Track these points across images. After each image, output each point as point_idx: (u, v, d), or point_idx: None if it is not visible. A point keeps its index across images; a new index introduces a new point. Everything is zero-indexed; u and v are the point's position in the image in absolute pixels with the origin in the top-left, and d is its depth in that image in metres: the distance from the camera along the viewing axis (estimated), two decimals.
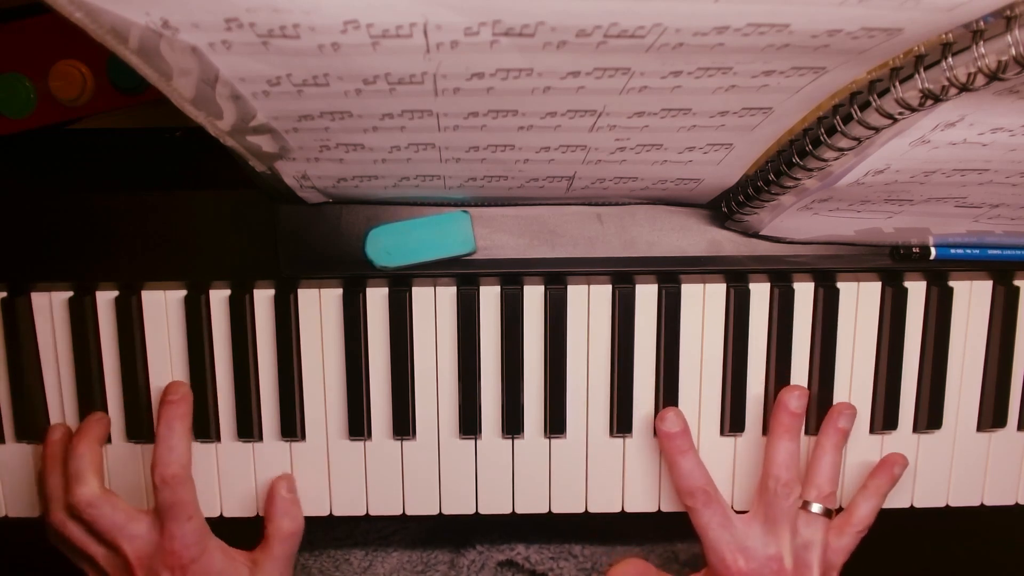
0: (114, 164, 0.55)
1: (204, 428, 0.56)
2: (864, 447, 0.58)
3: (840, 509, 0.56)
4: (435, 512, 0.58)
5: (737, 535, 0.54)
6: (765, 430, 0.57)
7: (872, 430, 0.58)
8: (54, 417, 0.57)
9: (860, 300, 0.57)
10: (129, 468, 0.57)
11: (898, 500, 0.59)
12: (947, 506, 0.60)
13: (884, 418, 0.58)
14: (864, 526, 0.55)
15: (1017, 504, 0.60)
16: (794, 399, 0.55)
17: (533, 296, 0.56)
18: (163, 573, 0.52)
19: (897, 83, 0.36)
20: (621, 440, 0.58)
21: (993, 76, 0.33)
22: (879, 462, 0.57)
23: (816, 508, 0.54)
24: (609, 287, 0.56)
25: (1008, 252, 0.54)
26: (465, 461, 0.58)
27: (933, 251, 0.53)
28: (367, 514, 0.58)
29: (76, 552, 0.54)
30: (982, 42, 0.33)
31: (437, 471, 0.58)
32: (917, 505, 0.59)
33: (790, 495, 0.53)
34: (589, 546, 0.66)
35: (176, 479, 0.52)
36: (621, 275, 0.56)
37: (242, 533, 0.57)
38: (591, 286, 0.56)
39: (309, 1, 0.30)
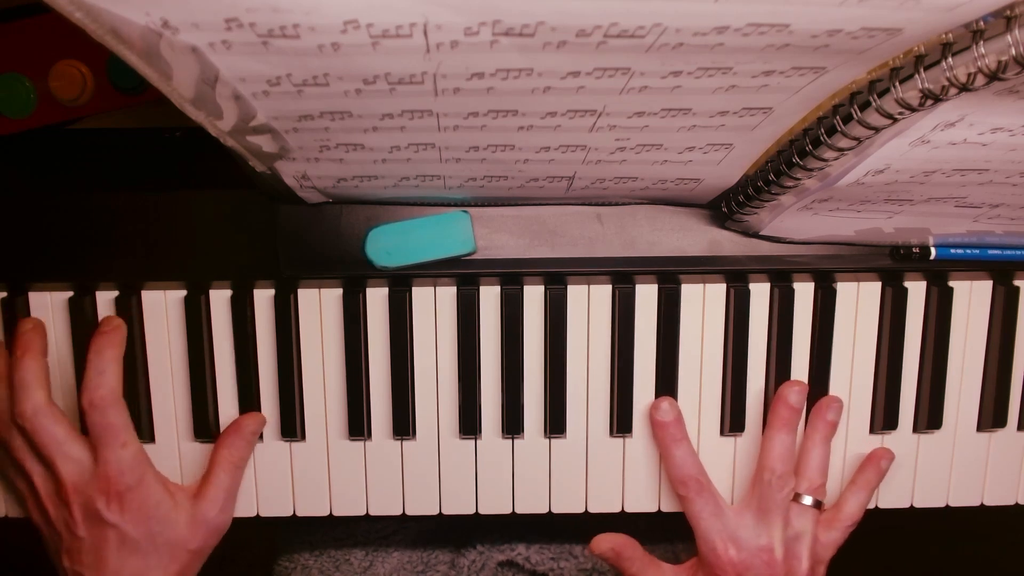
0: (114, 164, 0.55)
1: (204, 428, 0.56)
2: (864, 447, 0.58)
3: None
4: (435, 512, 0.58)
5: (729, 525, 0.54)
6: (767, 416, 0.57)
7: (872, 430, 0.58)
8: None
9: (860, 300, 0.57)
10: None
11: (898, 500, 0.59)
12: (947, 506, 0.60)
13: (884, 418, 0.58)
14: (853, 521, 0.56)
15: (1017, 504, 0.60)
16: (794, 394, 0.56)
17: (533, 296, 0.56)
18: (98, 499, 0.51)
19: (897, 83, 0.36)
20: (621, 440, 0.58)
21: (993, 76, 0.33)
22: (866, 457, 0.57)
23: (807, 500, 0.55)
24: (609, 287, 0.56)
25: (1008, 252, 0.54)
26: (465, 461, 0.58)
27: (933, 251, 0.53)
28: (367, 514, 0.58)
29: (16, 470, 0.54)
30: (982, 42, 0.33)
31: (437, 471, 0.58)
32: (917, 505, 0.59)
33: (784, 487, 0.54)
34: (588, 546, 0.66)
35: (104, 401, 0.51)
36: (621, 275, 0.56)
37: (242, 533, 0.57)
38: (591, 286, 0.56)
39: (309, 1, 0.30)
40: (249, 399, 0.56)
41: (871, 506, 0.58)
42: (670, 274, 0.56)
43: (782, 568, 0.53)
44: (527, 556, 0.65)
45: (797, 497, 0.55)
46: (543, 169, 0.46)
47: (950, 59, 0.34)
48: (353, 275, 0.55)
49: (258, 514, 0.58)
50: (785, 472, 0.54)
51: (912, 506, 0.59)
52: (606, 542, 0.56)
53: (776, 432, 0.55)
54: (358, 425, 0.57)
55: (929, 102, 0.36)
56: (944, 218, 0.50)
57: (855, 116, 0.39)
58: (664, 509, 0.59)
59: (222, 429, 0.57)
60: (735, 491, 0.58)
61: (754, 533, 0.54)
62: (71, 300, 0.56)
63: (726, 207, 0.53)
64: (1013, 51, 0.32)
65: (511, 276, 0.56)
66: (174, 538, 0.53)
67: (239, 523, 0.58)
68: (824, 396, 0.57)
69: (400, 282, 0.56)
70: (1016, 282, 0.57)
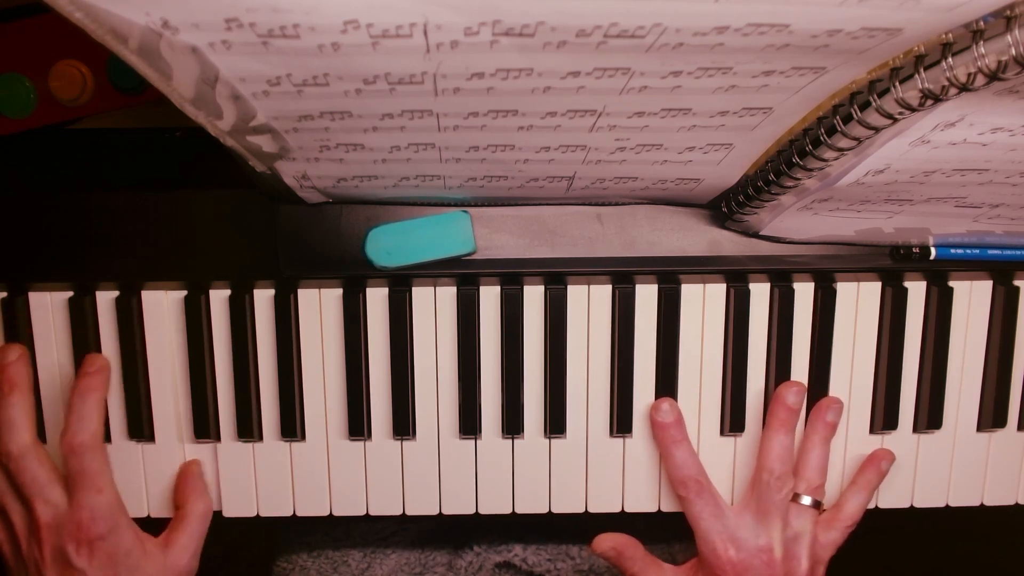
0: (114, 164, 0.55)
1: (204, 428, 0.56)
2: (864, 447, 0.58)
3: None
4: (435, 512, 0.58)
5: (729, 525, 0.54)
6: (766, 417, 0.57)
7: (872, 430, 0.58)
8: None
9: (860, 300, 0.57)
10: (129, 467, 0.57)
11: (898, 500, 0.59)
12: (947, 506, 0.60)
13: (884, 418, 0.58)
14: (852, 521, 0.56)
15: (1017, 504, 0.60)
16: (792, 394, 0.55)
17: (533, 296, 0.56)
18: (68, 544, 0.51)
19: (897, 83, 0.36)
20: (621, 440, 0.58)
21: (993, 76, 0.33)
22: (866, 458, 0.57)
23: (806, 500, 0.55)
24: (609, 287, 0.56)
25: (1008, 252, 0.54)
26: (465, 461, 0.58)
27: (933, 251, 0.53)
28: (367, 514, 0.58)
29: None
30: (982, 42, 0.33)
31: (437, 471, 0.58)
32: (917, 505, 0.59)
33: (783, 488, 0.54)
34: (587, 547, 0.66)
35: (83, 447, 0.51)
36: (621, 275, 0.56)
37: (242, 533, 0.57)
38: (591, 286, 0.56)
39: (309, 1, 0.30)
40: (249, 399, 0.56)
41: (871, 506, 0.58)
42: (670, 274, 0.56)
43: (781, 568, 0.53)
44: (524, 557, 0.65)
45: (796, 497, 0.55)
46: (543, 169, 0.46)
47: (950, 59, 0.34)
48: (353, 275, 0.55)
49: (258, 514, 0.58)
50: (784, 472, 0.54)
51: (912, 506, 0.59)
52: (607, 541, 0.56)
53: (774, 433, 0.55)
54: (358, 425, 0.57)
55: (929, 102, 0.36)
56: (944, 218, 0.50)
57: (855, 116, 0.39)
58: (664, 509, 0.59)
59: (222, 431, 0.57)
60: (735, 491, 0.58)
61: (753, 533, 0.54)
62: (71, 300, 0.56)
63: (726, 207, 0.53)
64: (1013, 51, 0.32)
65: (511, 276, 0.56)
66: None
67: (239, 523, 0.58)
68: (823, 397, 0.57)
69: (400, 282, 0.56)
70: (1016, 282, 0.57)
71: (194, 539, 0.55)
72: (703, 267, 0.55)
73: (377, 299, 0.56)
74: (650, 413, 0.57)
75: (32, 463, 0.51)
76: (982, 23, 0.33)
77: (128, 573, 0.52)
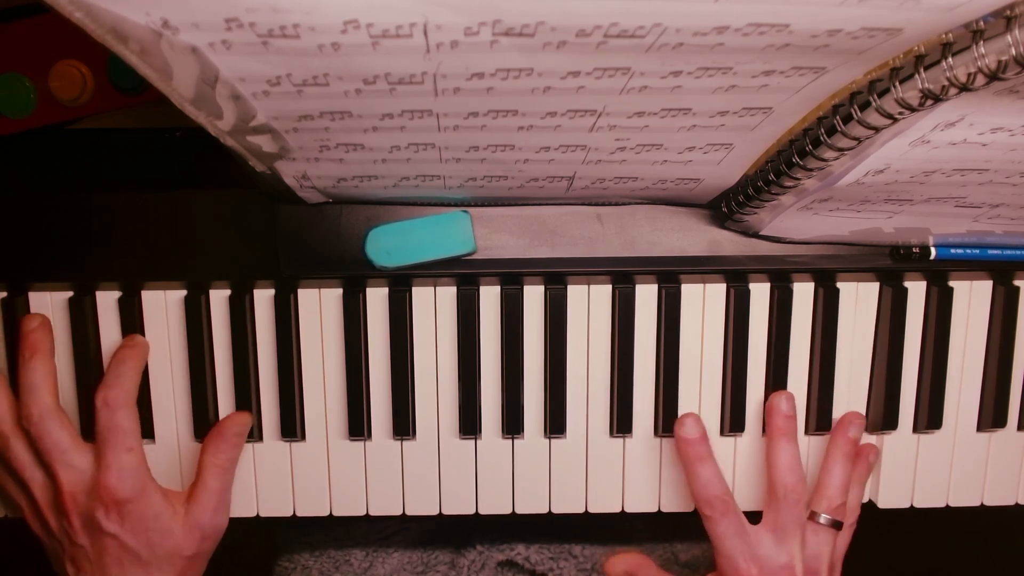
0: (114, 164, 0.55)
1: (204, 428, 0.56)
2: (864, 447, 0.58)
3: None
4: (435, 512, 0.58)
5: (751, 543, 0.53)
6: (765, 430, 0.57)
7: (872, 430, 0.58)
8: None
9: (860, 300, 0.57)
10: None
11: (898, 500, 0.59)
12: (947, 506, 0.60)
13: (884, 418, 0.58)
14: (855, 517, 0.56)
15: (1017, 504, 0.60)
16: (783, 402, 0.55)
17: (533, 296, 0.56)
18: (97, 509, 0.50)
19: (897, 83, 0.36)
20: (621, 440, 0.58)
21: (993, 76, 0.33)
22: (855, 455, 0.57)
23: (824, 519, 0.54)
24: (609, 287, 0.56)
25: (1008, 252, 0.54)
26: (465, 461, 0.58)
27: (933, 251, 0.53)
28: (367, 514, 0.58)
29: (13, 480, 0.53)
30: (982, 42, 0.33)
31: (437, 471, 0.58)
32: (917, 505, 0.59)
33: (800, 500, 0.53)
34: (589, 546, 0.66)
35: (116, 401, 0.51)
36: (621, 275, 0.56)
37: (242, 533, 0.57)
38: (591, 286, 0.56)
39: (309, 1, 0.30)
40: (249, 399, 0.56)
41: (870, 507, 0.58)
42: (670, 274, 0.56)
43: None
44: (527, 556, 0.65)
45: (814, 516, 0.54)
46: (543, 169, 0.46)
47: (950, 59, 0.34)
48: (353, 275, 0.55)
49: (258, 514, 0.58)
50: (796, 482, 0.53)
51: (912, 506, 0.59)
52: (620, 565, 0.56)
53: (777, 443, 0.55)
54: (358, 425, 0.57)
55: (929, 102, 0.36)
56: (944, 218, 0.50)
57: (855, 116, 0.39)
58: (664, 509, 0.59)
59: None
60: (735, 491, 0.58)
61: (775, 551, 0.53)
62: (71, 300, 0.56)
63: (726, 207, 0.53)
64: (1013, 51, 0.32)
65: (511, 276, 0.56)
66: (171, 547, 0.53)
67: (239, 523, 0.58)
68: (832, 401, 0.57)
69: (400, 282, 0.56)
70: (1016, 282, 0.57)
71: (212, 494, 0.54)
72: (703, 267, 0.55)
73: (377, 299, 0.56)
74: (675, 429, 0.55)
75: (55, 426, 0.51)
76: (982, 23, 0.33)
77: (158, 535, 0.52)
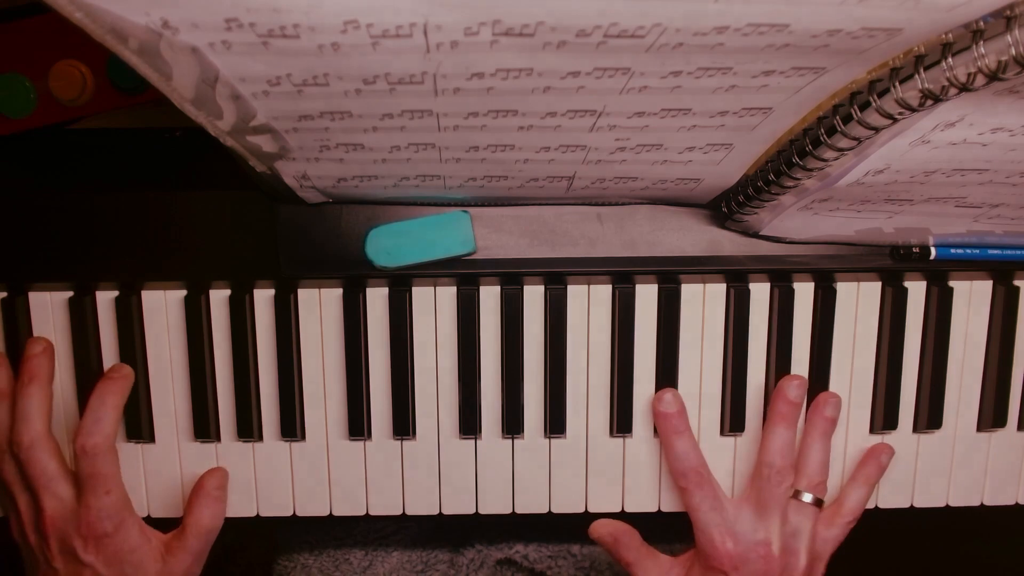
0: (114, 164, 0.55)
1: (204, 428, 0.56)
2: (864, 447, 0.58)
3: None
4: (435, 512, 0.58)
5: (727, 518, 0.54)
6: (766, 414, 0.57)
7: (872, 430, 0.58)
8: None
9: (860, 300, 0.57)
10: (129, 468, 0.57)
11: (898, 500, 0.59)
12: (947, 506, 0.60)
13: (884, 418, 0.58)
14: (854, 517, 0.56)
15: (1017, 504, 0.60)
16: (793, 388, 0.55)
17: (533, 296, 0.56)
18: (75, 539, 0.52)
19: (897, 83, 0.36)
20: (621, 440, 0.58)
21: (993, 76, 0.33)
22: (866, 453, 0.57)
23: (807, 497, 0.55)
24: (609, 287, 0.56)
25: (1008, 252, 0.54)
26: (465, 461, 0.58)
27: (933, 251, 0.53)
28: (367, 514, 0.58)
29: (3, 493, 0.55)
30: (982, 42, 0.33)
31: (437, 471, 0.58)
32: (917, 505, 0.59)
33: (783, 482, 0.54)
34: (588, 545, 0.66)
35: (96, 449, 0.52)
36: (621, 275, 0.56)
37: (242, 533, 0.57)
38: (591, 286, 0.56)
39: (309, 1, 0.30)
40: (248, 399, 0.56)
41: (871, 506, 0.58)
42: (670, 274, 0.56)
43: (779, 563, 0.53)
44: (525, 554, 0.66)
45: (797, 494, 0.55)
46: (543, 169, 0.46)
47: (950, 59, 0.34)
48: (353, 275, 0.55)
49: (258, 514, 0.58)
50: (784, 466, 0.54)
51: (912, 506, 0.59)
52: (605, 527, 0.56)
53: (775, 426, 0.55)
54: (358, 425, 0.57)
55: (929, 102, 0.36)
56: (944, 218, 0.50)
57: (855, 116, 0.39)
58: (664, 509, 0.59)
59: (222, 431, 0.57)
60: (735, 491, 0.58)
61: (752, 527, 0.54)
62: (71, 300, 0.56)
63: (726, 207, 0.53)
64: (1013, 51, 0.32)
65: (511, 276, 0.56)
66: None
67: (239, 523, 0.58)
68: (823, 392, 0.57)
69: (400, 282, 0.56)
70: (1016, 282, 0.57)
71: (191, 553, 0.55)
72: (703, 267, 0.55)
73: (377, 299, 0.56)
74: (652, 403, 0.56)
75: (43, 455, 0.52)
76: (982, 23, 0.33)
77: (133, 569, 0.53)
